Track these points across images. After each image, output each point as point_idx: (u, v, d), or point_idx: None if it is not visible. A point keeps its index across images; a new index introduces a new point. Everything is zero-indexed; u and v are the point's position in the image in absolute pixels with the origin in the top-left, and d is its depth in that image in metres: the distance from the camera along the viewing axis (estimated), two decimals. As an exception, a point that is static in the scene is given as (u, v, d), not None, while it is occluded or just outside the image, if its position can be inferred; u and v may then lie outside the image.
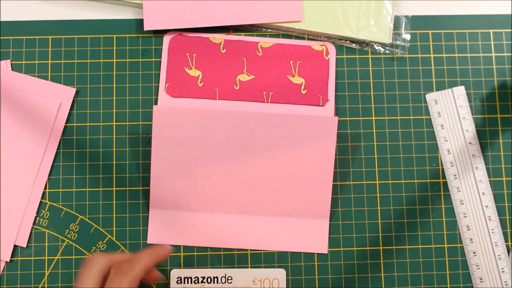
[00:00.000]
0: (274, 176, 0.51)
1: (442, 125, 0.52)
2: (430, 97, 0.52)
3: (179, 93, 0.53)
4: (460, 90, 0.52)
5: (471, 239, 0.51)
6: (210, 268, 0.51)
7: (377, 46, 0.55)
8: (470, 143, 0.51)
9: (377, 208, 0.53)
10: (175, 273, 0.51)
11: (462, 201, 0.51)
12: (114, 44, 0.54)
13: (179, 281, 0.50)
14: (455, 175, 0.51)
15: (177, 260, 0.51)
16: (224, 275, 0.50)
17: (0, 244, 0.50)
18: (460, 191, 0.51)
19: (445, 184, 0.53)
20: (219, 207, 0.52)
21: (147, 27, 0.54)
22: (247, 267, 0.51)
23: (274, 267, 0.51)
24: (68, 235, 0.51)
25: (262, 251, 0.52)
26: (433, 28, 0.56)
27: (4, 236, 0.50)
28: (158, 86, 0.53)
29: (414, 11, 0.56)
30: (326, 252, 0.52)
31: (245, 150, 0.51)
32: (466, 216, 0.51)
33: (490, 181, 0.53)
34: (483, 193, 0.51)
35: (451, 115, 0.52)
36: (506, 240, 0.53)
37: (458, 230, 0.52)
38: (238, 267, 0.51)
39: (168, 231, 0.51)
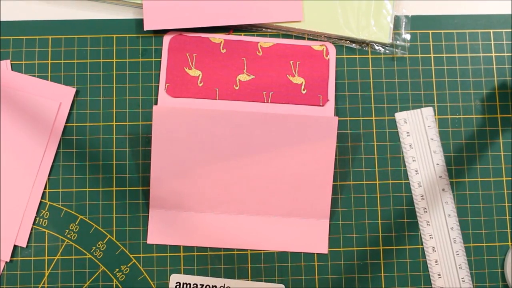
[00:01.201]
0: (274, 176, 0.51)
1: (410, 145, 0.53)
2: (399, 116, 0.52)
3: (179, 93, 0.53)
4: (428, 111, 0.52)
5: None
6: (211, 277, 0.51)
7: (377, 46, 0.55)
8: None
9: (377, 208, 0.53)
10: (174, 278, 0.51)
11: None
12: (114, 44, 0.54)
13: (177, 286, 0.50)
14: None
15: (177, 260, 0.51)
16: (223, 285, 0.51)
17: (0, 244, 0.50)
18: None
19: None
20: (219, 207, 0.52)
21: (147, 27, 0.54)
22: (247, 267, 0.51)
23: (274, 267, 0.51)
24: (68, 235, 0.51)
25: (262, 251, 0.52)
26: (433, 28, 0.56)
27: (4, 236, 0.50)
28: (158, 86, 0.53)
29: (414, 11, 0.56)
30: (326, 252, 0.52)
31: (245, 150, 0.51)
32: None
33: (490, 181, 0.53)
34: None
35: (420, 135, 0.52)
36: (506, 240, 0.53)
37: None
38: (238, 267, 0.51)
39: (168, 231, 0.51)
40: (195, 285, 0.51)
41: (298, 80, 0.54)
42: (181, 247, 0.51)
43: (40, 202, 0.51)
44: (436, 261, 0.51)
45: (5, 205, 0.51)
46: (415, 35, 0.55)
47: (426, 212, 0.51)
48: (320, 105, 0.53)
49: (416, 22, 0.56)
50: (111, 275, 0.51)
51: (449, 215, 0.51)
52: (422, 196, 0.52)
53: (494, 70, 0.55)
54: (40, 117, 0.52)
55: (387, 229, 0.52)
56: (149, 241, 0.51)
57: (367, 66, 0.55)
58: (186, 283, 0.51)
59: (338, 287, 0.51)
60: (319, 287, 0.51)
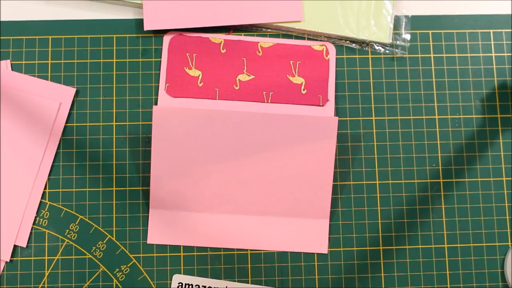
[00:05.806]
0: (274, 176, 0.51)
1: None
2: None
3: (179, 93, 0.53)
4: None
5: None
6: (211, 277, 0.51)
7: (377, 46, 0.55)
8: None
9: (377, 208, 0.53)
10: (177, 278, 0.51)
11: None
12: (114, 44, 0.54)
13: (180, 287, 0.51)
14: None
15: (177, 260, 0.51)
16: (224, 287, 0.51)
17: (0, 244, 0.50)
18: None
19: (445, 184, 0.53)
20: (219, 207, 0.52)
21: (147, 27, 0.54)
22: (247, 267, 0.51)
23: (274, 267, 0.51)
24: (68, 235, 0.51)
25: (262, 251, 0.52)
26: (433, 28, 0.56)
27: (4, 236, 0.50)
28: (158, 86, 0.53)
29: (414, 11, 0.56)
30: (326, 252, 0.52)
31: (245, 150, 0.51)
32: None
33: (490, 181, 0.53)
34: None
35: None
36: (506, 240, 0.53)
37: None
38: (238, 267, 0.51)
39: (168, 231, 0.51)
40: (197, 286, 0.51)
41: (298, 80, 0.54)
42: (181, 247, 0.52)
43: (40, 202, 0.51)
44: None
45: (5, 205, 0.51)
46: (415, 35, 0.55)
47: None
48: (320, 105, 0.53)
49: (416, 22, 0.56)
50: (111, 275, 0.51)
51: None
52: None
53: (494, 70, 0.55)
54: (40, 117, 0.52)
55: (387, 229, 0.52)
56: (149, 241, 0.51)
57: (367, 66, 0.55)
58: (188, 284, 0.51)
59: (338, 287, 0.51)
60: (319, 287, 0.51)
